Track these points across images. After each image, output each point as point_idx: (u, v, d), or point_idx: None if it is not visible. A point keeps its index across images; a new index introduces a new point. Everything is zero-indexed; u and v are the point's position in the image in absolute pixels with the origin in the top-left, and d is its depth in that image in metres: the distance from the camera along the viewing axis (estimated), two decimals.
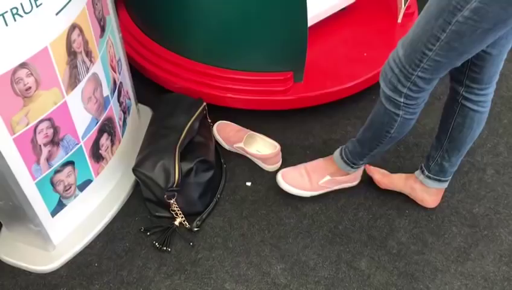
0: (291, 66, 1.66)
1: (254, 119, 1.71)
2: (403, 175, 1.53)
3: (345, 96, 1.70)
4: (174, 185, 1.37)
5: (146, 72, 1.78)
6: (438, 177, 1.45)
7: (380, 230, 1.46)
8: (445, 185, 1.48)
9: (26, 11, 0.98)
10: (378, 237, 1.45)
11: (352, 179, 1.53)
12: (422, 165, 1.47)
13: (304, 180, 1.50)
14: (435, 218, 1.50)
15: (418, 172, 1.49)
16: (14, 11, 0.96)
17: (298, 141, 1.70)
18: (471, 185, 1.59)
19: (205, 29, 1.62)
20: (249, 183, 1.57)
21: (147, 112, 1.73)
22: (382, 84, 1.21)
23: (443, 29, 1.03)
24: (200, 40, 1.67)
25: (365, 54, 1.77)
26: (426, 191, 1.49)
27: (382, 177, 1.54)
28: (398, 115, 1.22)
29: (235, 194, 1.55)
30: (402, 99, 1.19)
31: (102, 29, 1.29)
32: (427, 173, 1.46)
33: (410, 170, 1.53)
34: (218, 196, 1.52)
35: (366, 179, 1.56)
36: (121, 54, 1.47)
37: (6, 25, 0.96)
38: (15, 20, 0.96)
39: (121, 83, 1.46)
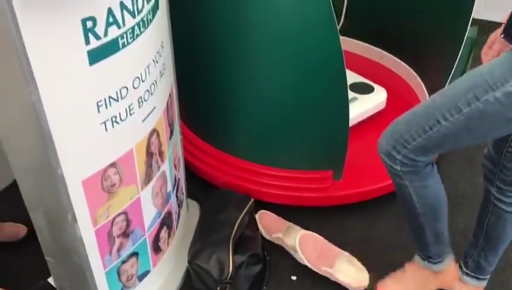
0: (331, 165, 1.77)
1: (292, 212, 1.78)
2: None
3: (383, 194, 1.79)
4: (228, 277, 1.44)
5: (192, 167, 1.91)
6: (475, 275, 1.50)
7: None
8: (484, 283, 1.52)
9: (123, 118, 1.13)
10: None
11: None
12: (461, 262, 1.53)
13: None
14: None
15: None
16: (114, 119, 1.11)
17: (337, 236, 1.76)
18: (509, 283, 1.63)
19: (248, 130, 1.77)
20: (294, 278, 1.63)
21: (193, 206, 1.84)
22: (379, 153, 1.22)
23: (469, 104, 1.06)
24: (243, 139, 1.81)
25: None
26: (465, 288, 1.54)
27: None
28: (406, 185, 1.22)
29: (281, 288, 1.60)
30: (398, 167, 1.19)
31: (171, 132, 1.44)
32: (465, 269, 1.51)
33: None
34: (264, 287, 1.58)
35: None
36: (180, 153, 1.61)
37: (106, 130, 1.10)
38: (113, 126, 1.11)
39: (179, 179, 1.59)
